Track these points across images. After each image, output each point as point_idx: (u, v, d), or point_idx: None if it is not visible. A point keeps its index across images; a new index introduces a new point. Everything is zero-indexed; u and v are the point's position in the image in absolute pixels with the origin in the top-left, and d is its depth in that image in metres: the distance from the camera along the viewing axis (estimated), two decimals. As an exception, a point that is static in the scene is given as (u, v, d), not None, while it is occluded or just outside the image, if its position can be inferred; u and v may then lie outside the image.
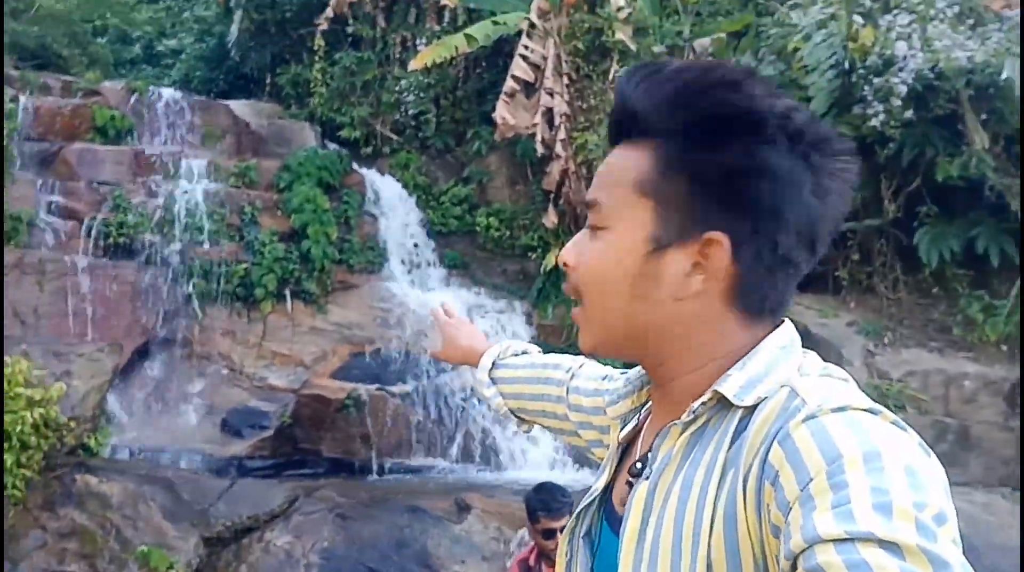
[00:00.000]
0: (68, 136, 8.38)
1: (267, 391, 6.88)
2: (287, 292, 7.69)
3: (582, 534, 1.02)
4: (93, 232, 7.47)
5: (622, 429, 1.06)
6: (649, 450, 0.92)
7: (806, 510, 0.68)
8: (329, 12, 9.82)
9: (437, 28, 9.50)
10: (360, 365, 7.02)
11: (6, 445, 5.04)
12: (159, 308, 7.30)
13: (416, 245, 8.45)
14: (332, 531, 5.31)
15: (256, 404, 6.73)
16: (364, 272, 8.10)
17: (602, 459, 1.21)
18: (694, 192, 0.87)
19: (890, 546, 0.63)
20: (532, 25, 8.34)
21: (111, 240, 7.49)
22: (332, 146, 9.24)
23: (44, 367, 5.77)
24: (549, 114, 8.27)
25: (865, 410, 0.76)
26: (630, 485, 0.93)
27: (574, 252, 0.95)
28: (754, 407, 0.83)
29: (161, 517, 5.23)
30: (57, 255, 7.16)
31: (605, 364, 1.32)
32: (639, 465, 0.94)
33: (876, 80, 6.12)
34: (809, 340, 6.27)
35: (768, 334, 0.90)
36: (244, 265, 7.67)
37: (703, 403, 0.87)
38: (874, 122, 6.07)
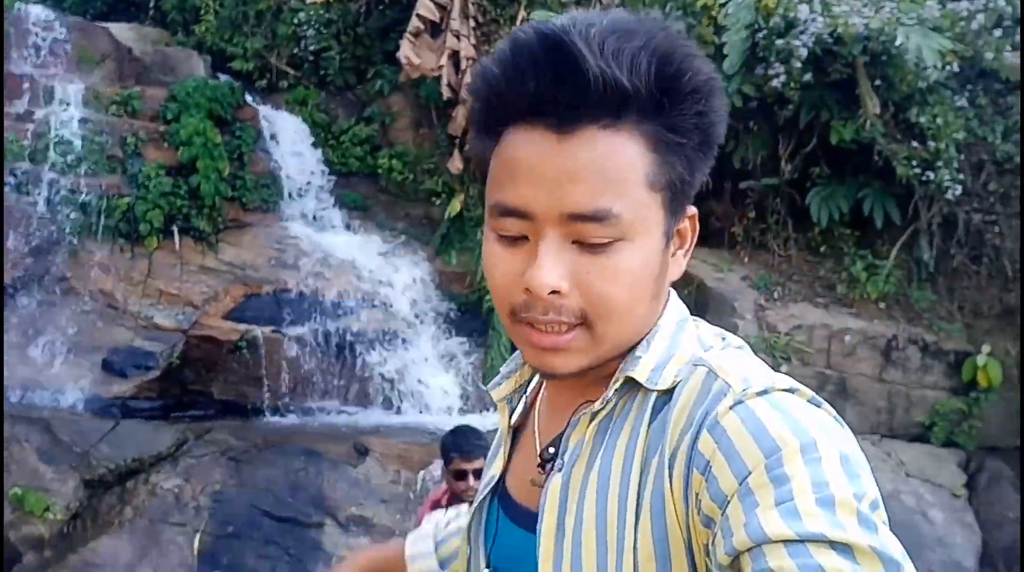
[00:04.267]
0: (-76, 50, 7.58)
1: (152, 330, 6.52)
2: (175, 229, 7.28)
3: (482, 528, 0.97)
4: (-45, 155, 6.82)
5: (512, 413, 1.00)
6: (561, 436, 0.87)
7: (747, 505, 0.66)
8: (222, -67, 9.23)
9: (339, -39, 9.08)
10: (255, 306, 6.75)
11: None
12: (31, 241, 6.77)
13: (314, 185, 8.16)
14: (224, 474, 5.14)
15: (141, 344, 6.37)
16: (259, 210, 7.75)
17: None
18: (688, 170, 0.81)
19: (841, 547, 0.62)
20: (440, -37, 8.11)
21: (-24, 165, 6.87)
22: (223, 77, 8.75)
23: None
24: (455, 57, 8.08)
25: (786, 390, 0.74)
26: (541, 468, 0.88)
27: (564, 275, 0.77)
28: (668, 390, 0.80)
29: (36, 459, 4.91)
30: (-88, 178, 6.50)
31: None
32: (551, 450, 0.88)
33: (779, 42, 6.28)
34: (705, 293, 6.48)
35: (664, 306, 0.87)
36: (127, 199, 7.20)
37: (616, 390, 0.83)
38: (775, 83, 6.24)
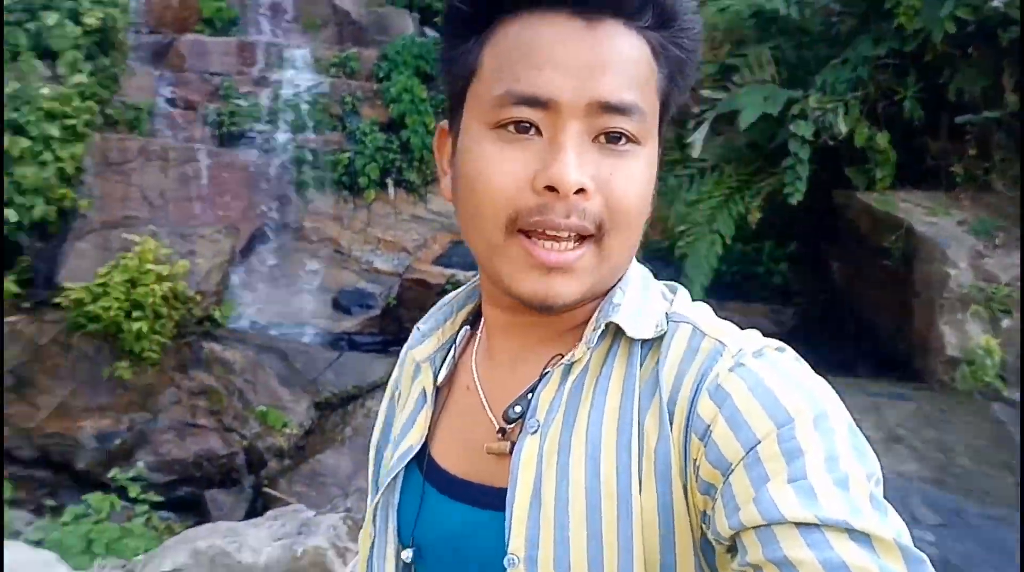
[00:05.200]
0: (179, 28, 8.70)
1: (373, 274, 7.33)
2: (389, 181, 7.97)
3: (394, 504, 0.87)
4: (208, 121, 7.87)
5: (437, 373, 0.89)
6: (532, 392, 0.78)
7: (755, 476, 0.62)
8: None
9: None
10: (459, 253, 7.32)
11: (139, 313, 5.55)
12: (272, 194, 7.72)
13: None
14: (421, 403, 5.70)
15: (364, 285, 7.21)
16: (462, 162, 8.25)
17: None
18: (677, 93, 0.78)
19: (861, 537, 0.58)
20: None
21: (224, 129, 7.88)
22: (430, 33, 9.28)
23: (170, 246, 6.24)
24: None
25: (777, 350, 0.72)
26: (503, 433, 0.79)
27: (589, 173, 0.70)
28: (648, 341, 0.75)
29: (277, 383, 5.72)
30: (177, 143, 7.60)
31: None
32: (518, 409, 0.78)
33: (1005, -43, 5.69)
34: (913, 239, 6.07)
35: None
36: (347, 154, 7.96)
37: (598, 337, 0.76)
38: (996, 2, 5.67)
